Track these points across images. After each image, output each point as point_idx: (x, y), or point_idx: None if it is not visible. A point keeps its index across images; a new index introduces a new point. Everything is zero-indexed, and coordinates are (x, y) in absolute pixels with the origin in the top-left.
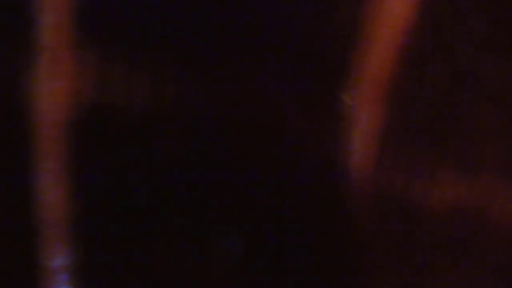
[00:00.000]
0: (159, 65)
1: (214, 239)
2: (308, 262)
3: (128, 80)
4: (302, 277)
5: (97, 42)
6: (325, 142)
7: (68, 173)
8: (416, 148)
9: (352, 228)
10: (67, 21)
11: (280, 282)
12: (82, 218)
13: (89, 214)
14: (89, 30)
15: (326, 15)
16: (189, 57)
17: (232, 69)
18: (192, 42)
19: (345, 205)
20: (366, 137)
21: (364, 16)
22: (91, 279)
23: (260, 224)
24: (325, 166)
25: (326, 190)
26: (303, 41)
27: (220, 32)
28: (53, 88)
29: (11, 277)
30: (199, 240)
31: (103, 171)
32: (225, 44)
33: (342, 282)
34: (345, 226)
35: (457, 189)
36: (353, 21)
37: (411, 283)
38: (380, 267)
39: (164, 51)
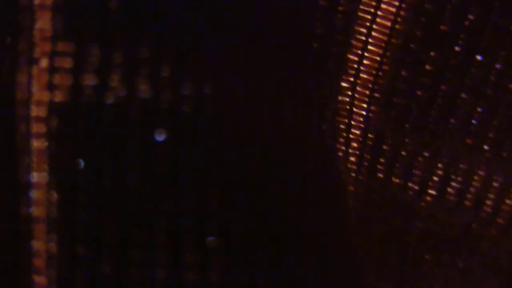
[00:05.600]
0: (157, 63)
1: (208, 237)
2: (304, 262)
3: (127, 77)
4: (298, 276)
5: (95, 38)
6: (320, 141)
7: (61, 170)
8: (412, 147)
9: (346, 228)
10: (65, 17)
11: (276, 280)
12: (70, 214)
13: (78, 211)
14: (88, 26)
15: (322, 15)
16: (187, 56)
17: (229, 68)
18: (189, 41)
19: (341, 204)
20: (362, 137)
21: (359, 15)
22: (79, 273)
23: (254, 223)
24: (321, 166)
25: (323, 189)
26: (299, 40)
27: (216, 30)
28: (48, 84)
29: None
30: (193, 238)
31: (95, 170)
32: (223, 43)
33: (338, 280)
34: (340, 225)
35: (449, 186)
36: (348, 21)
37: (407, 282)
38: (375, 266)
39: (162, 49)
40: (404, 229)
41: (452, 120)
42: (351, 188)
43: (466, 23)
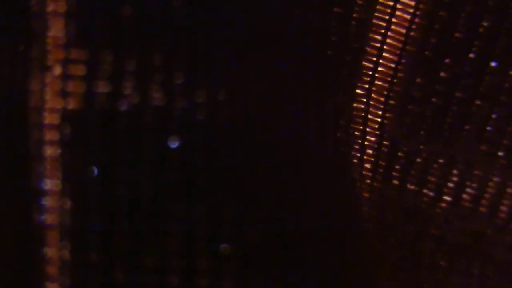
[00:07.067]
0: (170, 69)
1: (221, 243)
2: (317, 269)
3: (140, 84)
4: (311, 283)
5: (108, 45)
6: (334, 148)
7: (74, 178)
8: (426, 154)
9: (361, 234)
10: (72, 24)
11: (281, 282)
12: (83, 221)
13: (91, 218)
14: (101, 33)
15: (337, 22)
16: (200, 62)
17: (242, 75)
18: (202, 48)
19: (355, 211)
20: (377, 144)
21: (373, 23)
22: (92, 280)
23: (268, 229)
24: (336, 173)
25: (337, 196)
26: (314, 48)
27: (230, 37)
28: (61, 91)
29: (8, 276)
30: (206, 244)
31: (108, 177)
32: (236, 50)
33: (352, 286)
34: (355, 232)
35: (464, 192)
36: (363, 28)
37: (416, 284)
38: (389, 272)
39: (176, 56)
40: (419, 236)
41: (466, 127)
42: (366, 195)
43: (481, 30)
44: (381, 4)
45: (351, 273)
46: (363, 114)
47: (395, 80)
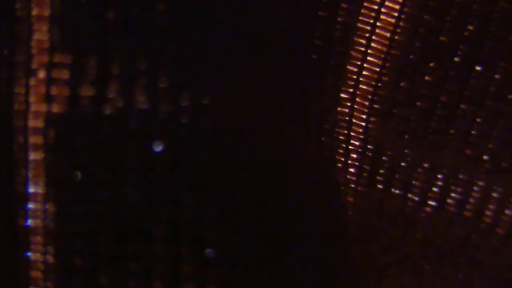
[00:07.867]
0: (154, 73)
1: (206, 248)
2: (302, 272)
3: (124, 88)
4: (289, 281)
5: (92, 49)
6: (319, 152)
7: (58, 182)
8: (411, 158)
9: (346, 239)
10: (60, 28)
11: (266, 286)
12: (68, 226)
13: (75, 222)
14: (85, 38)
15: (321, 26)
16: (185, 66)
17: (227, 79)
18: (186, 52)
19: (340, 216)
20: (362, 148)
21: (358, 26)
22: (76, 285)
23: (252, 234)
24: (320, 177)
25: (322, 201)
26: (298, 52)
27: (214, 41)
28: (45, 95)
29: None
30: (191, 249)
31: (93, 181)
32: (221, 54)
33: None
34: (339, 236)
35: (449, 197)
36: (347, 32)
37: None
38: (374, 277)
39: (160, 60)
40: (404, 240)
41: (451, 131)
42: (351, 199)
43: (466, 34)
44: (366, 8)
45: (336, 277)
46: (347, 118)
47: (379, 84)
